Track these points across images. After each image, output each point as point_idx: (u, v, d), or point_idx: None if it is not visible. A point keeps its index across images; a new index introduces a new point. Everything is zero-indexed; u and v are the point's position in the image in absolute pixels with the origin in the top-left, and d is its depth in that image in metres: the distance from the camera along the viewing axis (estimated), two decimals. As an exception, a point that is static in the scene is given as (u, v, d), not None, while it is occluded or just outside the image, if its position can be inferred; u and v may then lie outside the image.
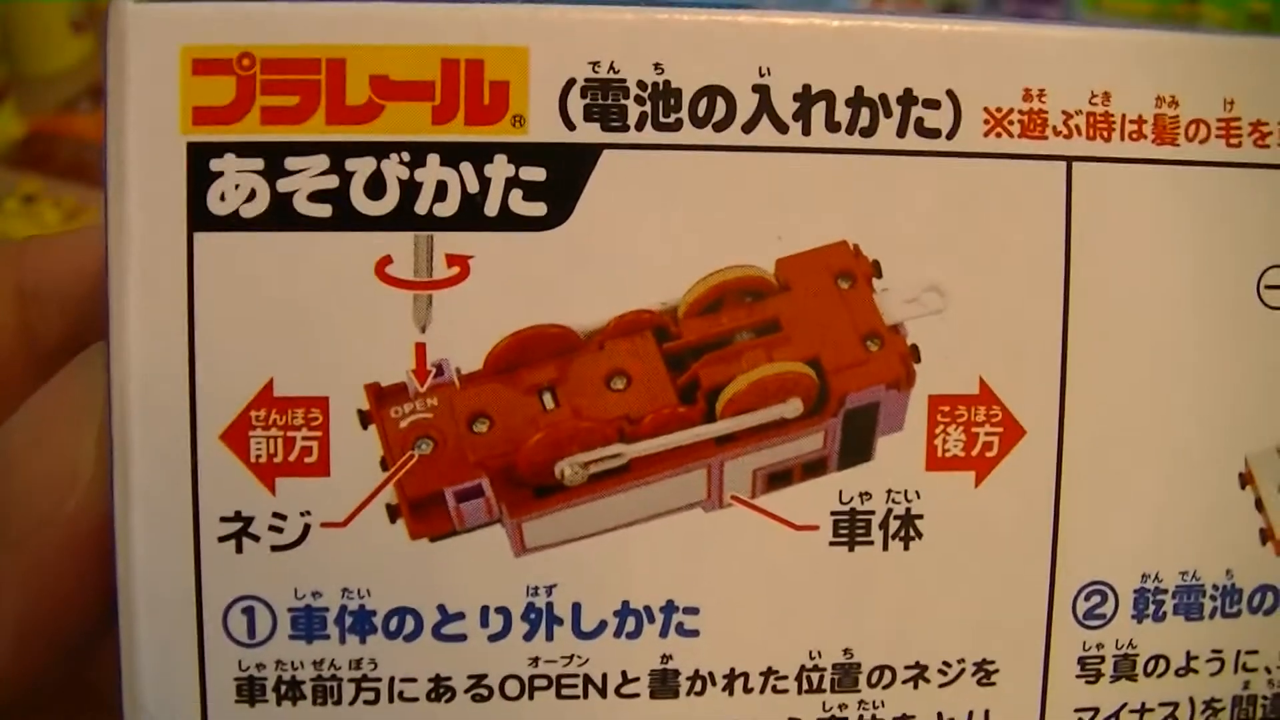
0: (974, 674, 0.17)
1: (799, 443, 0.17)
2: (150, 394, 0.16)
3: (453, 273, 0.16)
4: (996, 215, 0.17)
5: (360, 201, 0.16)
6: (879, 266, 0.17)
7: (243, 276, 0.16)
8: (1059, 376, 0.17)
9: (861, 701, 0.17)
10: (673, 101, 0.16)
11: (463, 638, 0.17)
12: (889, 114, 0.17)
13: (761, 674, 0.17)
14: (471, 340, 0.16)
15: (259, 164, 0.16)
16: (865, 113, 0.17)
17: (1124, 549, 0.18)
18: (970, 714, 0.18)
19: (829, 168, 0.17)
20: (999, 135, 0.17)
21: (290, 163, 0.16)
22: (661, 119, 0.16)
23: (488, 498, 0.16)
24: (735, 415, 0.17)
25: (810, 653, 0.17)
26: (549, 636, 0.17)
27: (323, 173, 0.16)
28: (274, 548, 0.16)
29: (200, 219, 0.16)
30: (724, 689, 0.17)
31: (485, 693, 0.17)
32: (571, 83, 0.16)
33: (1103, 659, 0.18)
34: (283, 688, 0.16)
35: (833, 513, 0.17)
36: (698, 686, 0.17)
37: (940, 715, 0.18)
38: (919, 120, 0.17)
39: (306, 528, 0.16)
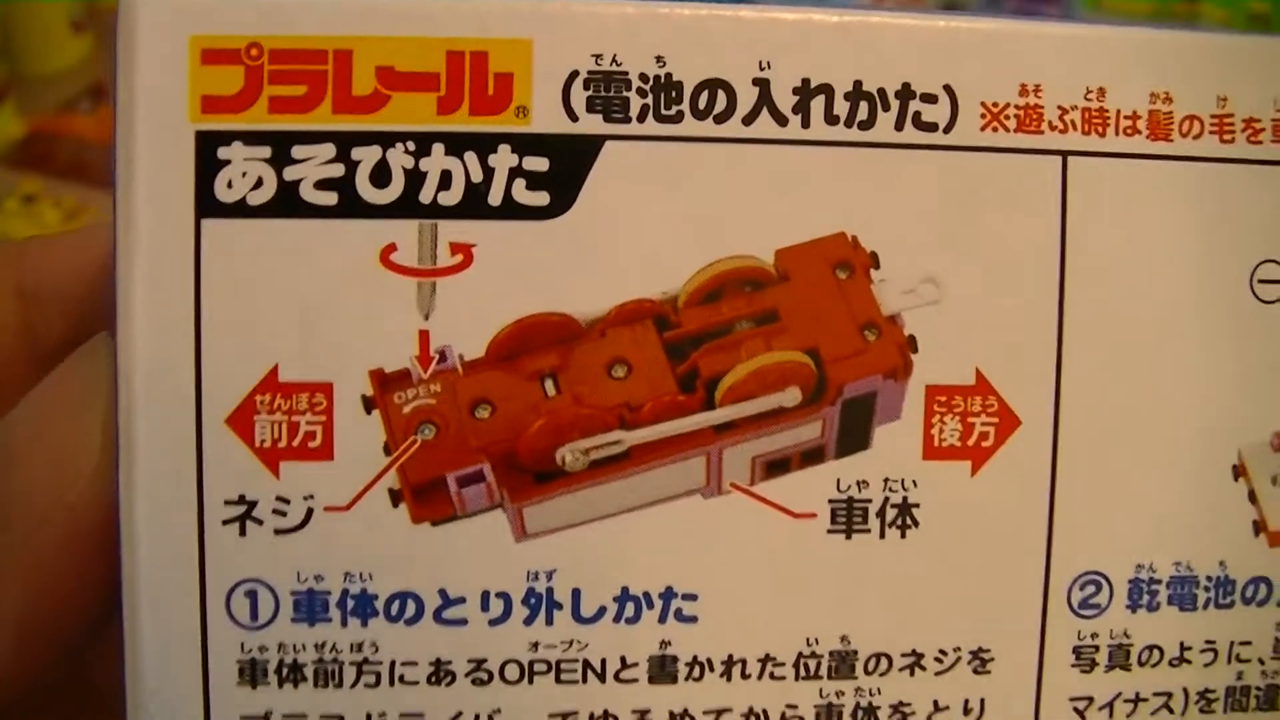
0: (970, 662, 0.18)
1: (797, 431, 0.17)
2: (156, 378, 0.16)
3: (456, 261, 0.16)
4: (993, 208, 0.17)
5: (366, 190, 0.16)
6: (877, 258, 0.17)
7: (249, 263, 0.16)
8: (1054, 368, 0.17)
9: (858, 689, 0.18)
10: (674, 94, 0.16)
11: (463, 622, 0.17)
12: (887, 108, 0.17)
13: (759, 661, 0.17)
14: (474, 327, 0.16)
15: (266, 152, 0.16)
16: (864, 106, 0.17)
17: (1118, 539, 0.18)
18: (966, 702, 0.18)
19: (828, 160, 0.17)
20: (995, 129, 0.17)
21: (297, 151, 0.16)
22: (663, 111, 0.16)
23: (489, 483, 0.17)
24: (734, 403, 0.17)
25: (808, 640, 0.17)
26: (549, 621, 0.17)
27: (329, 161, 0.16)
28: (277, 531, 0.16)
29: (208, 206, 0.16)
30: (722, 675, 0.17)
31: (485, 677, 0.17)
32: (574, 75, 0.16)
33: (1097, 648, 0.18)
34: (284, 670, 0.17)
35: (830, 501, 0.17)
36: (696, 673, 0.17)
37: (936, 703, 0.18)
38: (916, 114, 0.17)
39: (310, 511, 0.16)
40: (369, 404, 0.16)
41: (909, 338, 0.17)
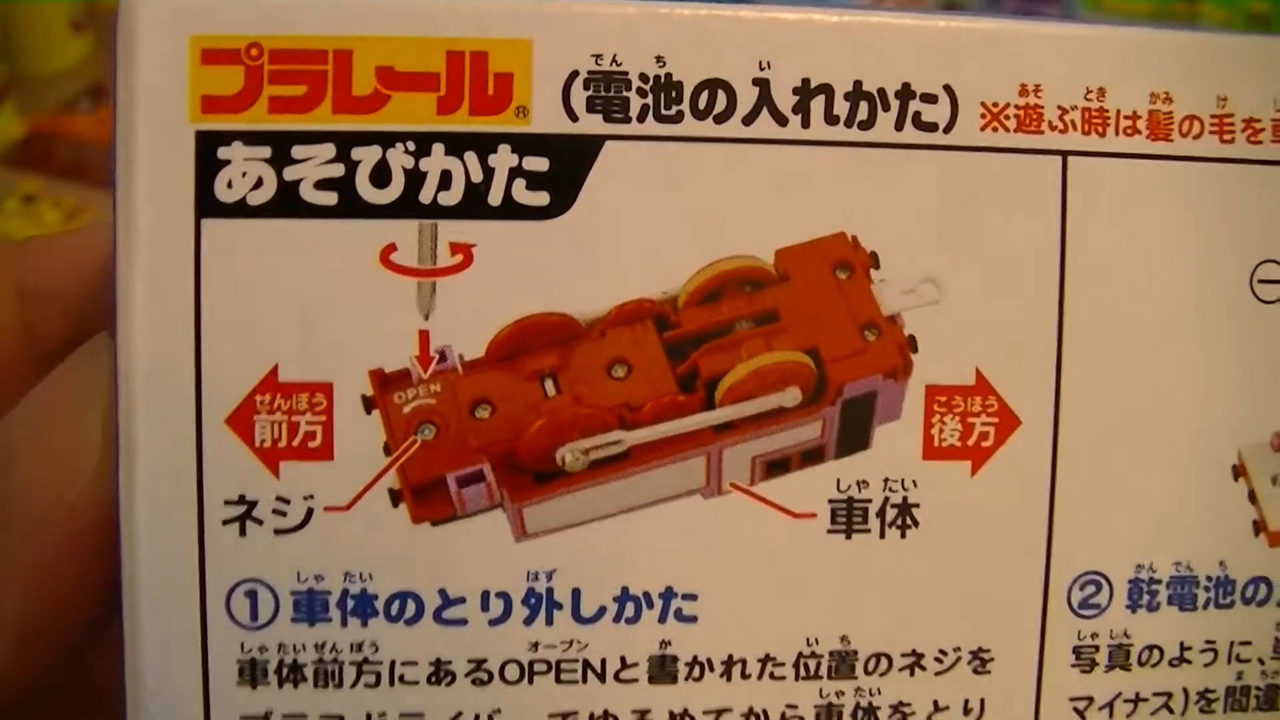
0: (970, 662, 0.18)
1: (797, 431, 0.17)
2: (157, 378, 0.16)
3: (456, 261, 0.16)
4: (993, 208, 0.17)
5: (365, 190, 0.16)
6: (877, 258, 0.17)
7: (249, 263, 0.16)
8: (1054, 368, 0.17)
9: (858, 689, 0.18)
10: (674, 94, 0.16)
11: (463, 622, 0.17)
12: (887, 108, 0.17)
13: (759, 661, 0.17)
14: (474, 327, 0.16)
15: (266, 152, 0.16)
16: (864, 106, 0.17)
17: (1118, 539, 0.18)
18: (966, 702, 0.18)
19: (828, 160, 0.17)
20: (995, 129, 0.17)
21: (297, 151, 0.16)
22: (663, 111, 0.16)
23: (489, 483, 0.17)
24: (734, 403, 0.17)
25: (808, 640, 0.17)
26: (549, 621, 0.17)
27: (329, 161, 0.16)
28: (277, 531, 0.16)
29: (208, 206, 0.16)
30: (722, 675, 0.17)
31: (485, 677, 0.17)
32: (574, 75, 0.16)
33: (1097, 648, 0.18)
34: (284, 670, 0.17)
35: (830, 501, 0.17)
36: (696, 672, 0.17)
37: (936, 703, 0.18)
38: (916, 114, 0.17)
39: (310, 511, 0.16)
40: (369, 404, 0.16)
41: (909, 338, 0.17)
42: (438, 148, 0.16)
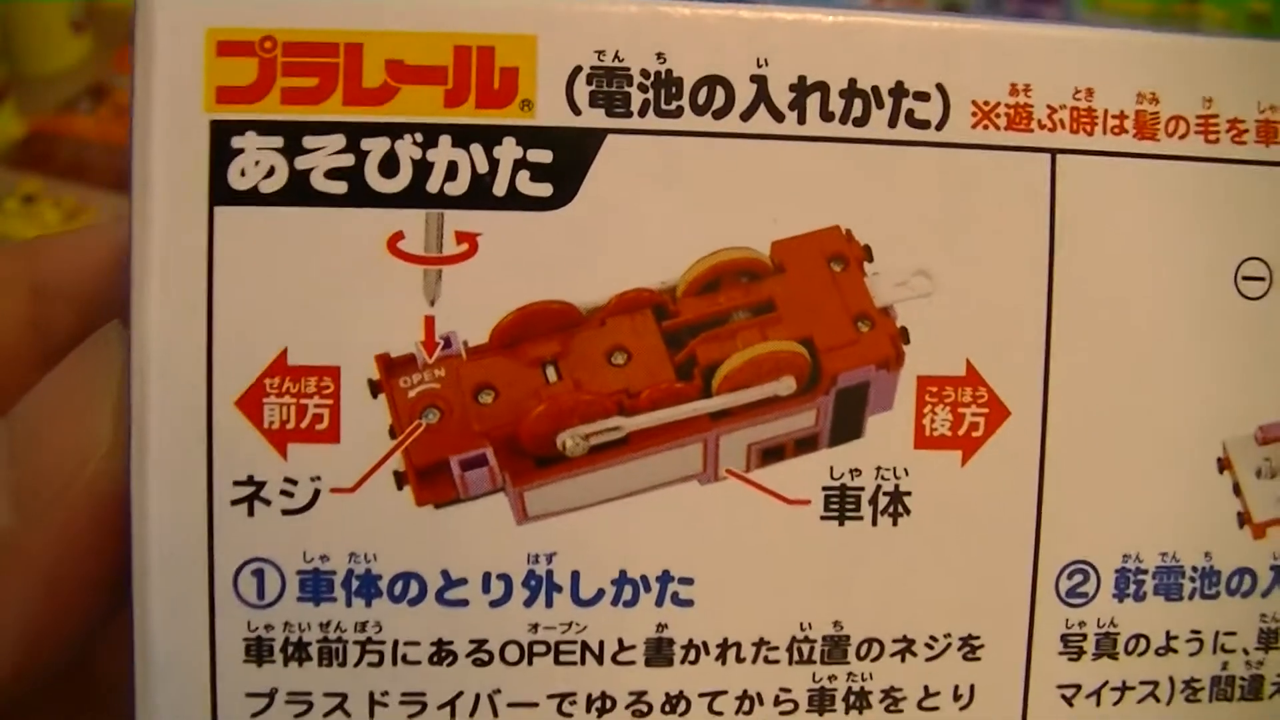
0: (959, 648, 0.18)
1: (792, 419, 0.17)
2: (169, 360, 0.16)
3: (462, 249, 0.17)
4: (983, 204, 0.18)
5: (374, 179, 0.17)
6: (870, 251, 0.17)
7: (260, 249, 0.16)
8: (1043, 361, 0.18)
9: (850, 673, 0.18)
10: (674, 90, 0.17)
11: (465, 603, 0.17)
12: (881, 105, 0.17)
13: (754, 644, 0.18)
14: (479, 314, 0.17)
15: (278, 142, 0.16)
16: (858, 103, 0.17)
17: (1105, 530, 0.18)
18: (956, 688, 0.18)
19: (823, 155, 0.17)
20: (986, 127, 0.17)
21: (308, 141, 0.16)
22: (663, 106, 0.17)
23: (491, 467, 0.17)
24: (730, 391, 0.17)
25: (801, 624, 0.18)
26: (548, 604, 0.17)
27: (339, 151, 0.17)
28: (284, 512, 0.17)
29: (221, 193, 0.16)
30: (717, 658, 0.18)
31: (486, 657, 0.17)
32: (578, 70, 0.17)
33: (1085, 637, 0.18)
34: (290, 648, 0.17)
35: (824, 488, 0.18)
36: (691, 655, 0.18)
37: (927, 689, 0.18)
38: (909, 112, 0.17)
39: (316, 493, 0.17)
40: (375, 388, 0.17)
41: (901, 329, 0.18)
42: (445, 139, 0.17)
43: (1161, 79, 0.18)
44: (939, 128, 0.17)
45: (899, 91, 0.17)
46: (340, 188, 0.17)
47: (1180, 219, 0.18)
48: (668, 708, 0.18)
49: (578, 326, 0.17)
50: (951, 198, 0.17)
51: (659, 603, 0.17)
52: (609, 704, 0.18)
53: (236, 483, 0.17)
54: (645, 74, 0.17)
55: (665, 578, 0.17)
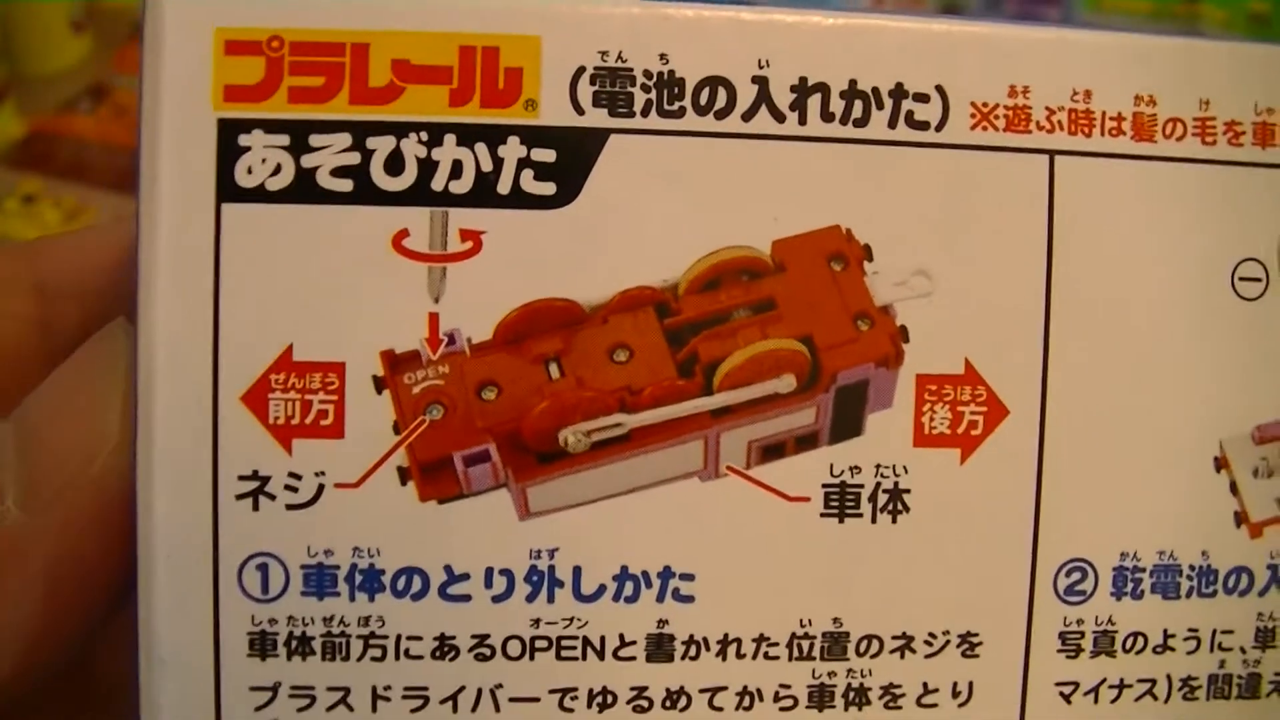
0: (958, 645, 0.18)
1: (792, 417, 0.18)
2: (175, 355, 0.17)
3: (466, 247, 0.17)
4: (982, 204, 0.18)
5: (380, 178, 0.17)
6: (870, 250, 0.18)
7: (267, 246, 0.17)
8: (1041, 360, 0.18)
9: (850, 670, 0.18)
10: (677, 90, 0.17)
11: (467, 598, 0.17)
12: (881, 106, 0.17)
13: (754, 640, 0.18)
14: (482, 311, 0.17)
15: (285, 140, 0.17)
16: (858, 105, 0.17)
17: (1103, 528, 0.18)
18: (954, 685, 0.18)
19: (823, 156, 0.17)
20: (985, 129, 0.18)
21: (315, 140, 0.17)
22: (666, 106, 0.17)
23: (494, 463, 0.17)
24: (731, 389, 0.17)
25: (801, 621, 0.18)
26: (550, 599, 0.17)
27: (345, 150, 0.17)
28: (289, 506, 0.17)
29: (228, 191, 0.17)
30: (717, 654, 0.18)
31: (488, 652, 0.17)
32: (581, 70, 0.17)
33: (1083, 634, 0.18)
34: (293, 642, 0.17)
35: (824, 485, 0.18)
36: (692, 651, 0.18)
37: (925, 685, 0.18)
38: (909, 113, 0.18)
39: (320, 488, 0.17)
40: (380, 384, 0.17)
41: (900, 328, 0.18)
42: (449, 138, 0.17)
43: (1159, 81, 0.18)
44: (938, 129, 0.18)
45: (899, 93, 0.17)
46: (346, 186, 0.17)
47: (1178, 220, 0.18)
48: (668, 703, 0.18)
49: (580, 324, 0.17)
50: (951, 198, 0.18)
51: (660, 599, 0.18)
52: (610, 699, 0.18)
53: (241, 477, 0.17)
54: (648, 75, 0.17)
55: (666, 574, 0.18)
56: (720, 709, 0.18)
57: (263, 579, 0.17)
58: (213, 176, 0.17)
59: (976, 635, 0.18)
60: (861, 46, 0.17)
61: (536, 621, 0.17)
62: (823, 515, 0.18)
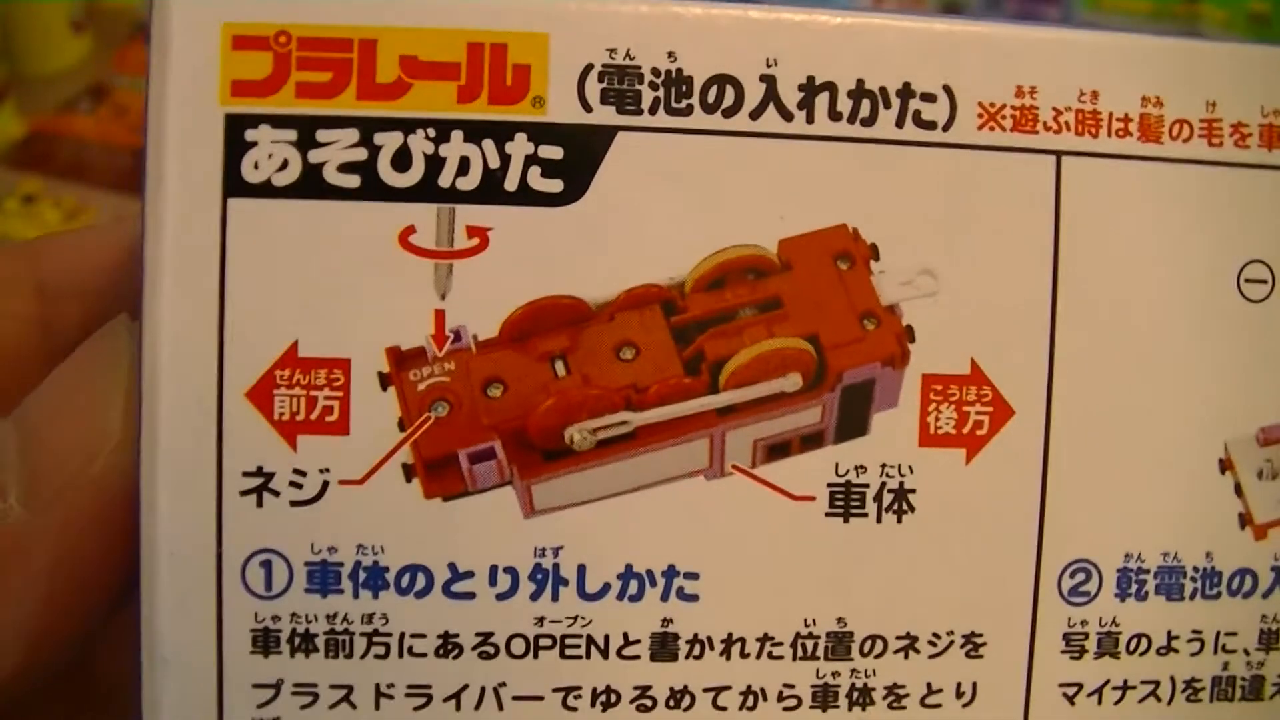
0: (962, 646, 0.18)
1: (798, 416, 0.18)
2: (180, 351, 0.16)
3: (472, 244, 0.17)
4: (989, 204, 0.18)
5: (387, 174, 0.17)
6: (877, 249, 0.18)
7: (273, 241, 0.17)
8: (1047, 361, 0.18)
9: (854, 670, 0.18)
10: (684, 88, 0.17)
11: (471, 596, 0.17)
12: (888, 105, 0.17)
13: (758, 640, 0.18)
14: (488, 308, 0.17)
15: (292, 135, 0.17)
16: (866, 104, 0.17)
17: (1108, 529, 0.18)
18: (959, 685, 0.18)
19: (831, 155, 0.17)
20: (992, 129, 0.18)
21: (322, 135, 0.17)
22: (674, 104, 0.17)
23: (499, 460, 0.17)
24: (737, 387, 0.17)
25: (805, 620, 0.18)
26: (554, 597, 0.17)
27: (352, 145, 0.17)
28: (293, 503, 0.17)
29: (235, 186, 0.16)
30: (721, 654, 0.18)
31: (492, 650, 0.17)
32: (589, 68, 0.17)
33: (1087, 635, 0.18)
34: (297, 639, 0.17)
35: (829, 485, 0.18)
36: (696, 650, 0.18)
37: (930, 686, 0.18)
38: (916, 112, 0.18)
39: (325, 484, 0.17)
40: (385, 381, 0.17)
41: (907, 328, 0.18)
42: (457, 135, 0.17)
43: (1166, 83, 0.18)
44: (945, 128, 0.18)
45: (906, 92, 0.17)
46: (353, 182, 0.17)
47: (1183, 221, 0.18)
48: (672, 702, 0.18)
49: (587, 321, 0.17)
50: (957, 198, 0.18)
51: (664, 597, 0.18)
52: (614, 698, 0.18)
53: (246, 474, 0.17)
54: (656, 72, 0.17)
55: (671, 573, 0.18)
56: (724, 708, 0.18)
57: (266, 576, 0.17)
58: (219, 171, 0.16)
59: (981, 636, 0.18)
60: (869, 46, 0.17)
61: (540, 620, 0.17)
62: (828, 515, 0.18)
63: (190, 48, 0.16)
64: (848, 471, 0.18)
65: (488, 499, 0.17)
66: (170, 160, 0.16)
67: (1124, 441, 0.18)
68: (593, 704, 0.18)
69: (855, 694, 0.18)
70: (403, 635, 0.17)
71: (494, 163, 0.17)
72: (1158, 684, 0.19)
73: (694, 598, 0.18)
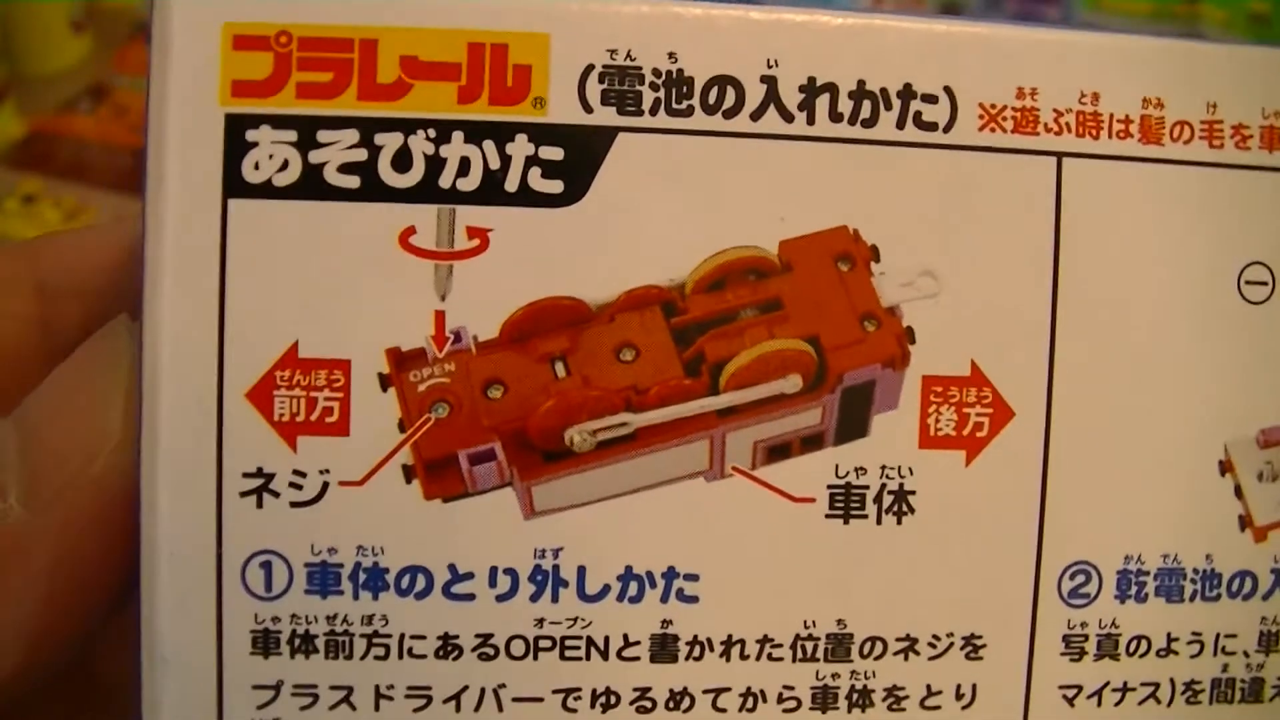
0: (962, 648, 0.18)
1: (798, 417, 0.18)
2: (180, 352, 0.16)
3: (473, 245, 0.17)
4: (990, 206, 0.18)
5: (387, 174, 0.17)
6: (877, 251, 0.18)
7: (273, 242, 0.17)
8: (1047, 362, 0.18)
9: (854, 671, 0.18)
10: (685, 89, 0.17)
11: (471, 597, 0.17)
12: (889, 107, 0.17)
13: (758, 641, 0.18)
14: (489, 309, 0.17)
15: (293, 136, 0.17)
16: (867, 105, 0.17)
17: (1108, 531, 0.18)
18: (958, 687, 0.18)
19: (831, 156, 0.17)
20: (993, 130, 0.18)
21: (322, 136, 0.17)
22: (674, 105, 0.17)
23: (499, 461, 0.17)
24: (738, 389, 0.17)
25: (805, 622, 0.18)
26: (554, 599, 0.17)
27: (352, 146, 0.17)
28: (293, 504, 0.17)
29: (235, 186, 0.16)
30: (721, 655, 0.18)
31: (491, 652, 0.17)
32: (590, 68, 0.17)
33: (1086, 637, 0.18)
34: (297, 640, 0.17)
35: (829, 486, 0.18)
36: (696, 652, 0.18)
37: (929, 688, 0.18)
38: (917, 114, 0.18)
39: (325, 485, 0.17)
40: (385, 382, 0.17)
41: (907, 329, 0.18)
42: (457, 135, 0.17)
43: (1167, 84, 0.18)
44: (946, 130, 0.18)
45: (907, 93, 0.17)
46: (353, 182, 0.17)
47: (1184, 223, 0.18)
48: (672, 704, 0.18)
49: (587, 323, 0.17)
50: (958, 199, 0.18)
51: (664, 599, 0.18)
52: (613, 700, 0.18)
53: (246, 474, 0.17)
54: (657, 73, 0.17)
55: (671, 574, 0.17)
56: (724, 710, 0.18)
57: (266, 577, 0.17)
58: (220, 172, 0.16)
59: (980, 637, 0.18)
60: (870, 47, 0.17)
61: (540, 621, 0.17)
62: (828, 516, 0.18)
63: (191, 48, 0.16)
64: (848, 473, 0.18)
65: (488, 500, 0.17)
66: (170, 160, 0.16)
67: (1124, 443, 0.18)
68: (592, 705, 0.18)
69: (855, 695, 0.18)
70: (402, 636, 0.17)
71: (494, 163, 0.17)
72: (1157, 686, 0.19)
73: (694, 599, 0.18)
